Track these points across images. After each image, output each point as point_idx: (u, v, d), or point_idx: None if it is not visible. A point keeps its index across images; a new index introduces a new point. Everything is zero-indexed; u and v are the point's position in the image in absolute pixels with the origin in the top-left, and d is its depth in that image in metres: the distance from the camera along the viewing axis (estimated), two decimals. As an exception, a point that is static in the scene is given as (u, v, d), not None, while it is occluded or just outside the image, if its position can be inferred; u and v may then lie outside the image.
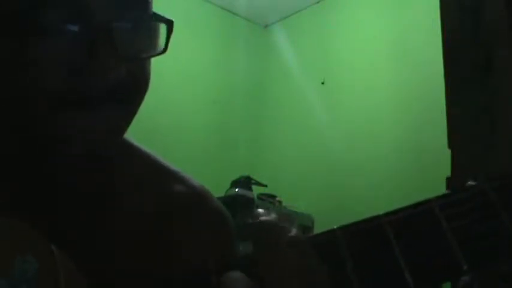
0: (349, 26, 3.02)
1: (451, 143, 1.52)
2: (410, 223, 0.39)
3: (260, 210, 0.45)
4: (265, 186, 2.65)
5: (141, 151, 0.66)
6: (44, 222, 0.53)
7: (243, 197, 2.46)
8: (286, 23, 3.39)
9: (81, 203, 0.59)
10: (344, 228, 0.42)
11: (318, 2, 3.20)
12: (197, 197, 0.65)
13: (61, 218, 0.56)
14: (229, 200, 2.30)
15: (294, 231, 0.43)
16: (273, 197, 2.61)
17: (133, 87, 0.53)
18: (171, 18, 0.54)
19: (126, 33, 0.51)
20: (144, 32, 0.54)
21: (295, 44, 3.30)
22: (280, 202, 2.61)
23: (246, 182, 2.56)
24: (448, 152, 1.51)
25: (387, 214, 0.41)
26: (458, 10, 1.55)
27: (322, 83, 3.05)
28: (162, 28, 0.54)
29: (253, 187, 2.59)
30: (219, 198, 0.70)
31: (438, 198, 0.39)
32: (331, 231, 0.42)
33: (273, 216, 0.45)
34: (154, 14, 0.54)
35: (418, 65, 2.58)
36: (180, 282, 0.42)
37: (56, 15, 0.48)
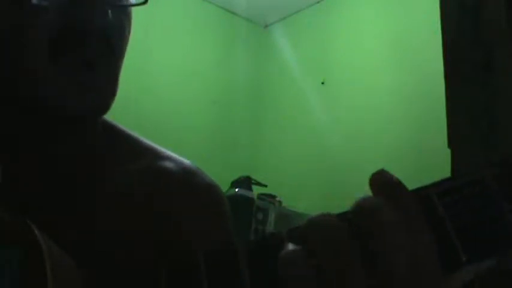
0: (349, 26, 3.02)
1: (451, 143, 1.51)
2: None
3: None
4: (265, 186, 2.65)
5: (127, 132, 0.66)
6: (31, 203, 0.53)
7: (243, 197, 2.46)
8: (286, 23, 3.39)
9: (70, 183, 0.58)
10: None
11: (318, 2, 3.20)
12: (187, 173, 0.65)
13: (48, 198, 0.56)
14: (229, 200, 2.29)
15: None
16: (273, 197, 2.60)
17: (118, 33, 0.56)
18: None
19: None
20: None
21: (295, 44, 3.30)
22: (280, 202, 2.61)
23: (246, 182, 2.56)
24: (448, 152, 1.51)
25: None
26: (458, 10, 1.54)
27: (322, 83, 3.05)
28: None
29: (253, 187, 2.59)
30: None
31: (435, 185, 0.38)
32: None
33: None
34: None
35: (418, 65, 2.57)
36: (170, 261, 0.41)
37: None
